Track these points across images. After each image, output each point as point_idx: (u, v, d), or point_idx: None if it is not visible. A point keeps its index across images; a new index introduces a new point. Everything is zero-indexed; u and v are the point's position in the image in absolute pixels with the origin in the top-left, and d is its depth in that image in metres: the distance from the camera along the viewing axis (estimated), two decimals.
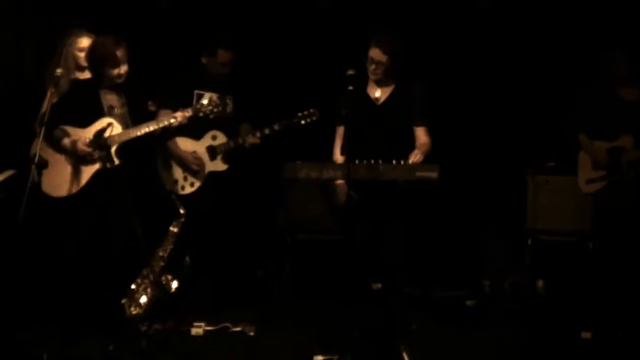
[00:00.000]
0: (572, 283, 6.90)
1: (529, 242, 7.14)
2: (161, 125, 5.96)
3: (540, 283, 7.10)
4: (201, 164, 6.49)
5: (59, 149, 5.90)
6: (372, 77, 6.05)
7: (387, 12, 7.22)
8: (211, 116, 6.08)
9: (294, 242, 7.26)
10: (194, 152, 6.52)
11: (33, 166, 5.42)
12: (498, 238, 7.27)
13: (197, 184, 6.50)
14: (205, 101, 6.02)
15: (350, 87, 5.72)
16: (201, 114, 6.03)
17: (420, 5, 7.30)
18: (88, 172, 5.90)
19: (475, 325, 6.54)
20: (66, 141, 5.91)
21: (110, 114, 5.98)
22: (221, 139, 6.53)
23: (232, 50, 6.50)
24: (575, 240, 7.00)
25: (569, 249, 7.05)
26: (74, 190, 5.88)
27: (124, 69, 5.95)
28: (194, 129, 6.46)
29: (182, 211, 6.00)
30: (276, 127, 6.49)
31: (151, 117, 6.13)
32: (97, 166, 5.89)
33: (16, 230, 5.23)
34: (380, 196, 5.85)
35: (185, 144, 6.53)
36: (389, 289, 5.97)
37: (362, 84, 6.05)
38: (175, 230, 5.99)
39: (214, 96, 6.13)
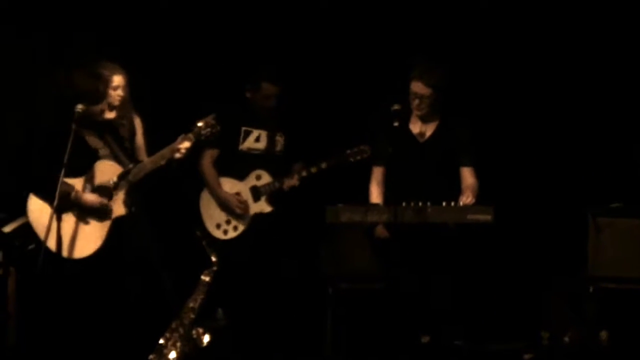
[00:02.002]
0: (639, 335, 6.56)
1: (591, 290, 6.71)
2: (165, 160, 5.56)
3: (603, 335, 6.70)
4: (246, 207, 6.31)
5: (67, 205, 5.40)
6: (417, 112, 5.82)
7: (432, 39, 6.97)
8: (211, 138, 5.74)
9: (337, 291, 6.85)
10: (238, 193, 6.34)
11: (52, 212, 5.15)
12: (557, 286, 6.92)
13: (241, 227, 6.34)
14: (201, 124, 5.64)
15: (396, 124, 5.56)
16: (203, 138, 5.67)
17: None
18: (104, 227, 5.50)
19: None
20: (80, 196, 5.45)
21: (97, 157, 5.55)
22: (265, 178, 6.37)
23: (276, 84, 6.33)
24: None
25: (634, 298, 6.65)
26: (93, 250, 5.48)
27: (106, 105, 5.53)
28: (238, 168, 6.33)
29: (214, 259, 5.68)
30: (324, 165, 6.30)
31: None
32: (112, 217, 5.50)
33: (34, 278, 5.08)
34: (428, 241, 5.64)
35: (228, 185, 6.36)
36: (439, 342, 5.78)
37: (404, 118, 5.82)
38: (207, 279, 5.68)
39: (209, 118, 5.75)
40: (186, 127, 5.67)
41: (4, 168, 6.26)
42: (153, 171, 5.55)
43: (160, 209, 6.07)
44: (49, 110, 6.10)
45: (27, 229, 5.49)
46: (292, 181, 6.32)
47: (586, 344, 6.67)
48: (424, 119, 5.85)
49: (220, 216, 6.35)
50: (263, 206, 6.37)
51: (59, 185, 5.11)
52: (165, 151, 5.55)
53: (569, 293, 6.85)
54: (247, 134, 6.40)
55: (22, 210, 5.56)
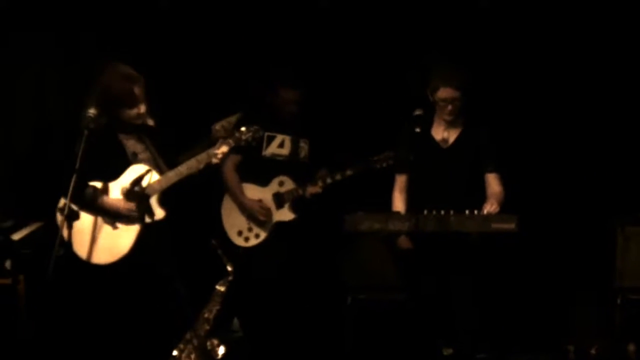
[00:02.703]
0: None
1: (619, 301, 6.61)
2: (202, 165, 5.43)
3: (631, 347, 6.54)
4: (269, 214, 6.22)
5: (94, 210, 5.37)
6: (448, 118, 5.70)
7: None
8: (254, 143, 5.64)
9: (355, 302, 6.78)
10: (261, 200, 6.26)
11: (62, 218, 5.01)
12: (583, 297, 6.79)
13: (263, 235, 6.25)
14: (243, 128, 5.54)
15: (418, 129, 5.48)
16: (243, 143, 5.54)
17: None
18: (132, 233, 5.40)
19: None
20: (105, 200, 5.38)
21: (135, 161, 5.47)
22: (289, 185, 6.28)
23: (295, 88, 6.25)
24: None
25: None
26: (119, 256, 5.39)
27: (143, 107, 5.41)
28: (261, 174, 6.25)
29: (229, 268, 5.59)
30: (349, 172, 6.21)
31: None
32: (139, 226, 5.39)
33: (44, 288, 5.04)
34: (451, 250, 5.54)
35: (250, 191, 6.28)
36: (462, 354, 5.66)
37: (426, 124, 5.72)
38: (222, 289, 5.60)
39: (233, 118, 5.73)
40: (206, 131, 5.62)
41: (12, 174, 6.25)
42: (187, 177, 5.45)
43: (179, 215, 5.90)
44: (57, 116, 6.16)
45: (37, 237, 5.47)
46: (315, 188, 6.23)
47: (613, 357, 6.55)
48: (449, 124, 5.74)
49: (242, 223, 6.27)
50: (286, 213, 6.28)
51: (70, 191, 4.97)
52: (202, 156, 5.43)
53: (595, 304, 6.74)
54: (271, 139, 6.31)
55: (30, 217, 5.57)
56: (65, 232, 4.97)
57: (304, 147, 6.40)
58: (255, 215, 6.24)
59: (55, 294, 5.09)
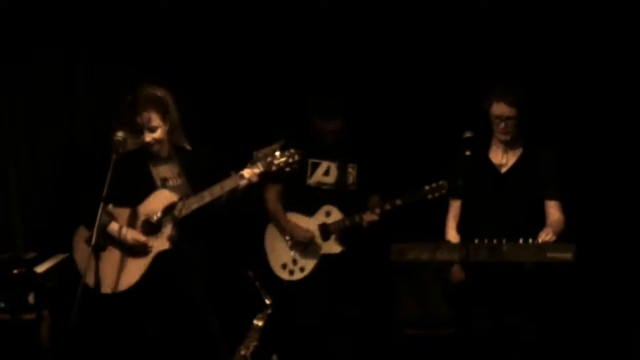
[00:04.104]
0: None
1: None
2: (227, 189, 5.28)
3: None
4: (311, 241, 6.05)
5: (106, 236, 5.27)
6: (502, 137, 5.53)
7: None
8: (287, 169, 5.43)
9: (402, 338, 6.58)
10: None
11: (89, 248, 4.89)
12: None
13: (309, 268, 6.08)
14: (277, 153, 5.35)
15: (468, 152, 5.26)
16: (274, 168, 5.35)
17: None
18: (146, 260, 5.26)
19: None
20: (114, 227, 5.27)
21: (164, 187, 5.34)
22: (335, 215, 6.09)
23: (333, 119, 6.05)
24: None
25: None
26: (126, 287, 5.26)
27: (150, 136, 5.27)
28: (306, 203, 6.11)
29: (267, 301, 5.41)
30: (398, 201, 6.00)
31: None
32: (153, 253, 5.26)
33: (68, 324, 4.82)
34: (504, 283, 5.35)
35: (295, 222, 6.11)
36: None
37: (484, 147, 5.56)
38: (260, 324, 5.40)
39: (276, 145, 5.46)
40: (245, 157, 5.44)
41: (37, 204, 6.19)
42: (210, 204, 5.30)
43: (221, 247, 5.94)
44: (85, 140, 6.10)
45: (61, 269, 5.38)
46: (372, 216, 6.01)
47: None
48: (508, 146, 5.55)
49: (287, 256, 6.11)
50: (332, 246, 6.09)
51: (97, 223, 4.87)
52: (226, 181, 5.29)
53: None
54: (315, 166, 6.11)
55: (55, 249, 5.43)
56: (90, 263, 4.89)
57: (351, 173, 6.19)
58: (297, 238, 6.05)
59: (80, 330, 4.93)
